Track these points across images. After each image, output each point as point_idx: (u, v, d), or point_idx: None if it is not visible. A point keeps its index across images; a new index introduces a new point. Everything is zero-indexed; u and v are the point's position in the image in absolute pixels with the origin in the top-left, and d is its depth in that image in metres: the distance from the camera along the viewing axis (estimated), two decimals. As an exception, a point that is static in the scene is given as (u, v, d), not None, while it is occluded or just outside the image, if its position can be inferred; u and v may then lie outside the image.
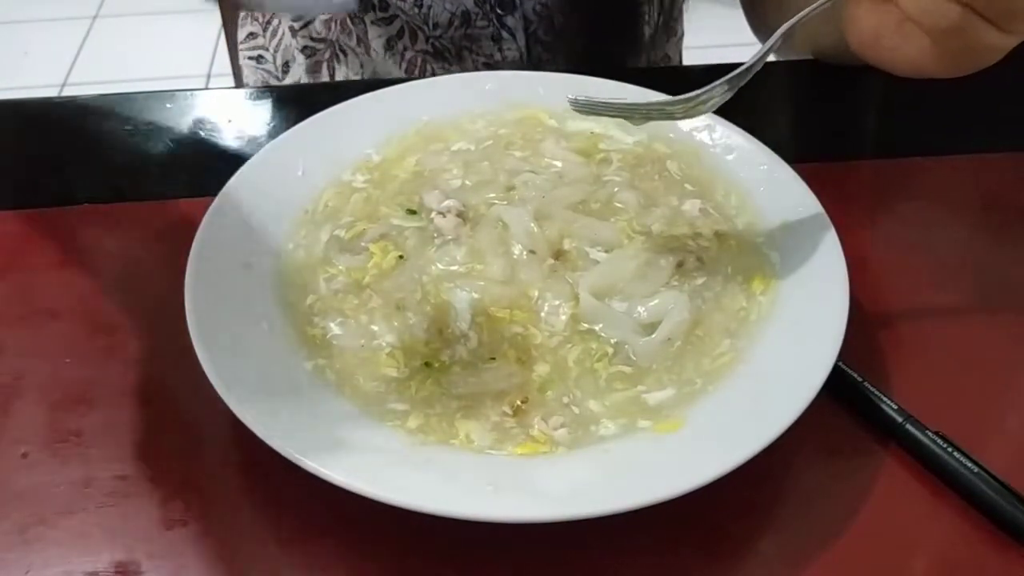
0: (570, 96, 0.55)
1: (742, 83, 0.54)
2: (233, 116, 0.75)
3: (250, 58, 0.95)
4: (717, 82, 0.54)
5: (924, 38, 0.58)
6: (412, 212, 0.60)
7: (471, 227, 0.58)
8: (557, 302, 0.54)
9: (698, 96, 0.54)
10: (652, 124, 0.65)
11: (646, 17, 0.87)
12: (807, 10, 0.55)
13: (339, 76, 0.88)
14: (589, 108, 0.56)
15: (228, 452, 0.51)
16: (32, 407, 0.53)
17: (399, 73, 0.86)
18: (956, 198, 0.67)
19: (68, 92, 2.25)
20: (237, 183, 0.59)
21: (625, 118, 0.58)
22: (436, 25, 0.83)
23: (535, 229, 0.57)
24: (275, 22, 0.90)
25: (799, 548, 0.47)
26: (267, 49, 0.92)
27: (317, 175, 0.62)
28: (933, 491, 0.49)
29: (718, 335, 0.53)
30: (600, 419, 0.49)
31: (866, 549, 0.47)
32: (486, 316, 0.53)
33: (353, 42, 0.86)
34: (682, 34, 0.97)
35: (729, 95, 0.54)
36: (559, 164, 0.63)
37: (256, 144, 0.61)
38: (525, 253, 0.56)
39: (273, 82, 0.92)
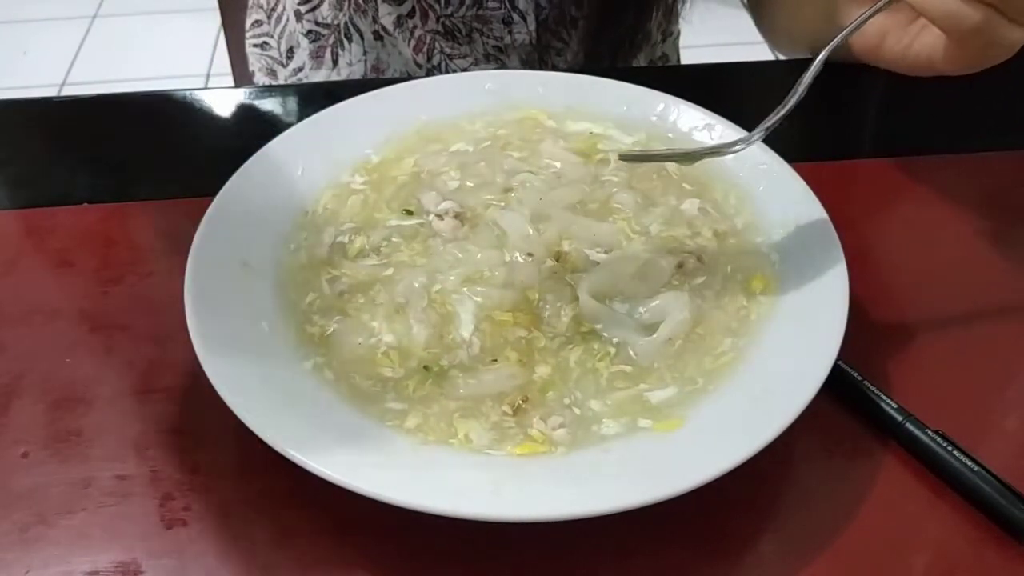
0: (621, 152, 0.61)
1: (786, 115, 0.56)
2: (233, 116, 0.75)
3: (255, 45, 0.95)
4: (762, 126, 0.56)
5: (937, 38, 0.58)
6: (409, 212, 0.60)
7: (469, 228, 0.58)
8: (559, 304, 0.54)
9: (749, 137, 0.56)
10: (650, 124, 0.66)
11: (654, 10, 0.87)
12: (851, 26, 0.56)
13: (342, 62, 0.88)
14: (639, 158, 0.61)
15: (228, 452, 0.51)
16: (32, 407, 0.53)
17: (407, 52, 0.86)
18: (956, 198, 0.67)
19: (68, 92, 2.25)
20: (237, 183, 0.59)
21: (676, 161, 0.61)
22: (448, 3, 0.83)
23: (532, 232, 0.57)
24: (280, 8, 0.91)
25: (799, 547, 0.47)
26: (272, 36, 0.92)
27: (317, 175, 0.62)
28: (933, 490, 0.49)
29: (719, 334, 0.53)
30: (602, 418, 0.49)
31: (866, 549, 0.47)
32: (489, 321, 0.53)
33: (367, 21, 0.86)
34: (678, 33, 0.97)
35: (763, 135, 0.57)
36: (558, 165, 0.63)
37: (256, 144, 0.61)
38: (523, 256, 0.56)
39: (277, 68, 0.92)
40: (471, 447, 0.48)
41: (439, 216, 0.58)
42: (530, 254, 0.56)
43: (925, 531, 0.48)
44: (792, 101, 0.56)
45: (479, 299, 0.54)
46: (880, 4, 0.57)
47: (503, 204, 0.59)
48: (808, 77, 0.56)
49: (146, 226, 0.64)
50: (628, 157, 0.60)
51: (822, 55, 0.56)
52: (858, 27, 0.57)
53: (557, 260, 0.56)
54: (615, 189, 0.61)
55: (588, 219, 0.59)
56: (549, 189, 0.60)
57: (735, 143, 0.57)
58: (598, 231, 0.58)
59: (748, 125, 0.63)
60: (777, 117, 0.56)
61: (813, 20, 0.76)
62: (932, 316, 0.59)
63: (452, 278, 0.55)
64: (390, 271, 0.56)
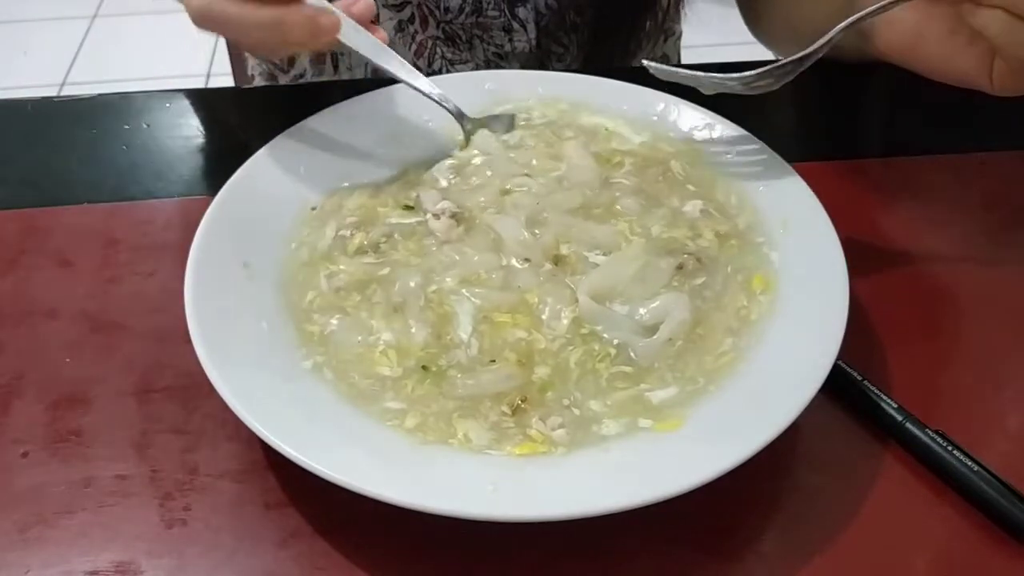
0: (647, 64, 0.61)
1: (801, 69, 0.57)
2: (233, 116, 0.75)
3: None
4: (777, 64, 0.57)
5: (982, 58, 0.57)
6: (408, 208, 0.60)
7: (464, 231, 0.58)
8: (558, 306, 0.54)
9: (758, 74, 0.58)
10: (653, 125, 0.66)
11: (657, 13, 0.87)
12: (871, 8, 0.56)
13: (343, 66, 0.88)
14: (665, 74, 0.61)
15: (228, 452, 0.51)
16: (32, 407, 0.53)
17: (408, 57, 0.86)
18: (956, 198, 0.67)
19: (68, 92, 2.25)
20: (237, 183, 0.59)
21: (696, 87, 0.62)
22: (447, 10, 0.83)
23: (528, 237, 0.57)
24: None
25: (799, 548, 0.47)
26: None
27: (317, 175, 0.62)
28: (933, 490, 0.49)
29: (720, 333, 0.53)
30: (602, 419, 0.49)
31: (866, 548, 0.47)
32: (489, 323, 0.53)
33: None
34: (680, 34, 0.97)
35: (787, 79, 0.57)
36: (563, 167, 0.62)
37: (256, 144, 0.61)
38: (520, 262, 0.56)
39: (278, 73, 0.92)
40: (470, 447, 0.48)
41: (435, 216, 0.58)
42: (527, 259, 0.56)
43: (925, 531, 0.49)
44: (813, 52, 0.56)
45: (478, 301, 0.54)
46: None
47: (497, 210, 0.59)
48: (836, 31, 0.56)
49: (146, 226, 0.64)
50: (654, 69, 0.61)
51: (853, 18, 0.56)
52: (888, 7, 0.56)
53: (556, 264, 0.56)
54: (619, 193, 0.61)
55: (586, 221, 0.59)
56: (548, 193, 0.60)
57: (747, 78, 0.58)
58: (597, 233, 0.58)
59: (748, 125, 0.64)
60: (792, 59, 0.56)
61: (816, 20, 0.76)
62: (932, 316, 0.59)
63: (449, 280, 0.55)
64: (386, 270, 0.56)
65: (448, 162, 0.63)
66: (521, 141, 0.64)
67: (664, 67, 0.62)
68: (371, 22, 0.61)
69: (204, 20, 0.57)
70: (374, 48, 0.61)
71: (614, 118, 0.66)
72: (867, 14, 0.56)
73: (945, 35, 0.59)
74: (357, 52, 0.60)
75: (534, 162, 0.62)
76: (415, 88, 0.63)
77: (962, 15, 0.56)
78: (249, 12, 0.55)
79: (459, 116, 0.64)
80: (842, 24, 0.56)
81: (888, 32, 0.62)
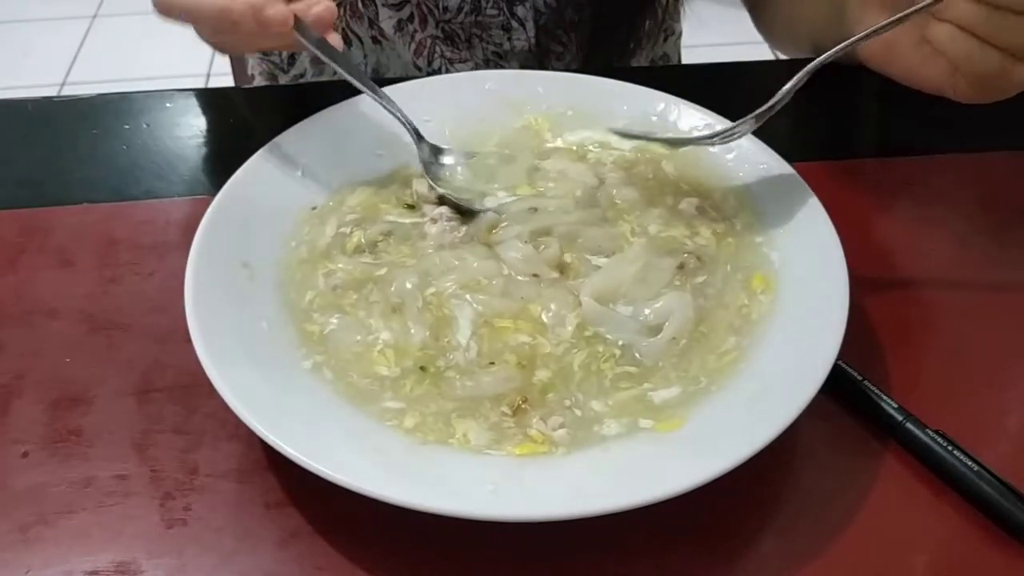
0: (611, 128, 0.64)
1: (769, 116, 0.58)
2: (233, 116, 0.75)
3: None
4: (744, 119, 0.58)
5: (948, 68, 0.59)
6: (409, 207, 0.60)
7: (462, 238, 0.58)
8: (563, 312, 0.54)
9: (729, 129, 0.59)
10: (650, 124, 0.66)
11: (656, 11, 0.87)
12: (847, 43, 0.57)
13: None
14: (629, 135, 0.63)
15: (228, 452, 0.51)
16: (32, 407, 0.53)
17: (408, 56, 0.86)
18: (956, 198, 0.67)
19: (68, 92, 2.25)
20: (237, 183, 0.59)
21: (662, 143, 0.63)
22: (446, 9, 0.83)
23: (532, 254, 0.56)
24: None
25: (799, 547, 0.47)
26: None
27: (317, 175, 0.62)
28: (933, 490, 0.49)
29: (723, 332, 0.53)
30: (603, 419, 0.49)
31: (866, 548, 0.47)
32: (489, 327, 0.53)
33: (364, 27, 0.86)
34: (680, 33, 0.97)
35: (755, 127, 0.59)
36: (560, 196, 0.61)
37: (256, 144, 0.61)
38: (525, 276, 0.55)
39: (278, 73, 0.92)
40: (470, 447, 0.48)
41: (433, 220, 0.58)
42: (535, 275, 0.55)
43: (925, 531, 0.48)
44: (779, 100, 0.57)
45: (479, 307, 0.54)
46: (889, 21, 0.56)
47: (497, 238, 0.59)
48: (794, 81, 0.57)
49: (146, 226, 0.64)
50: (619, 132, 0.62)
51: (815, 63, 0.56)
52: (863, 39, 0.57)
53: (561, 272, 0.56)
54: (614, 191, 0.61)
55: (589, 226, 0.58)
56: (558, 211, 0.60)
57: (714, 136, 0.60)
58: (598, 238, 0.58)
59: (748, 125, 0.63)
60: (764, 108, 0.57)
61: (813, 20, 0.76)
62: (932, 316, 0.59)
63: (448, 284, 0.55)
64: (383, 271, 0.56)
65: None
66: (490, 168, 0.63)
67: (632, 131, 0.64)
68: (331, 27, 0.60)
69: (163, 6, 0.59)
70: (334, 55, 0.60)
71: (602, 128, 0.66)
72: (856, 41, 0.57)
73: (913, 46, 0.62)
74: (321, 57, 0.59)
75: (538, 185, 0.62)
76: (378, 101, 0.62)
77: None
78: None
79: (414, 133, 0.62)
80: (822, 59, 0.57)
81: (865, 43, 0.63)
